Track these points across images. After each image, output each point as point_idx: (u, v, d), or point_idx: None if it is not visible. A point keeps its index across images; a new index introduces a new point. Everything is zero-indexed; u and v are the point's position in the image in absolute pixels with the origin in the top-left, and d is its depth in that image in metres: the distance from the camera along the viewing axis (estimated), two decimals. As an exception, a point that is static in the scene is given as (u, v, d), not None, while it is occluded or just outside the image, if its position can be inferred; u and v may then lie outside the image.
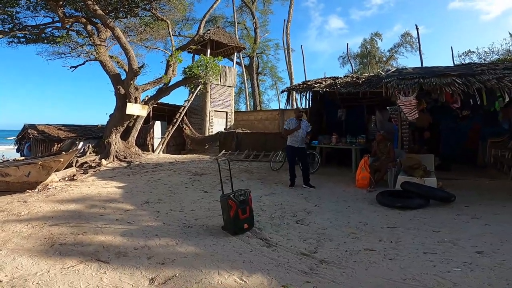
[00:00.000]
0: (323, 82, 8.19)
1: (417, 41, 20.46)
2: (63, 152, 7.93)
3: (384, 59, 28.87)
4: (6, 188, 6.11)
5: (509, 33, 18.12)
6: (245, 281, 2.49)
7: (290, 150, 6.19)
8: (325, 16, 58.80)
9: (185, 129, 14.31)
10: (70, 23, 10.82)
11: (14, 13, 10.18)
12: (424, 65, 12.65)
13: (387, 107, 7.96)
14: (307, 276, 2.57)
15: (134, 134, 11.68)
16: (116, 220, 4.11)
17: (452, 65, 12.74)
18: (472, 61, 16.09)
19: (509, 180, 6.30)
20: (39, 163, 6.07)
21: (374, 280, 2.48)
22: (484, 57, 18.14)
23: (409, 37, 26.74)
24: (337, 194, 5.59)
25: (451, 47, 17.86)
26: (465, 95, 5.37)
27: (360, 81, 7.65)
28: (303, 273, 2.62)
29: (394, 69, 7.96)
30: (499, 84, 5.15)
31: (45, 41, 10.95)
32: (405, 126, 6.60)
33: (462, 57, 20.12)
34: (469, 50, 20.46)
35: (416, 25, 19.63)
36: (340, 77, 8.66)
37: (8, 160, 8.49)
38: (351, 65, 26.51)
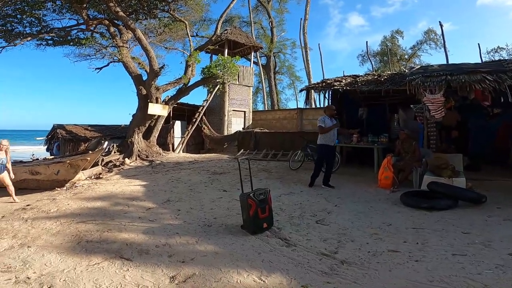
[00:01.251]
0: (343, 81, 8.00)
1: (442, 38, 19.59)
2: (90, 151, 8.25)
3: (406, 56, 27.92)
4: (36, 185, 6.44)
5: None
6: (264, 281, 2.48)
7: (324, 149, 5.94)
8: (344, 13, 57.50)
9: (204, 128, 14.49)
10: (94, 25, 11.21)
11: (41, 16, 10.68)
12: (450, 63, 12.09)
13: (411, 106, 7.68)
14: (327, 277, 2.52)
15: (155, 133, 11.96)
16: (139, 218, 4.21)
17: (479, 62, 12.12)
18: (502, 58, 15.24)
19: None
20: (68, 161, 6.34)
21: (399, 282, 2.40)
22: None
23: (433, 34, 25.72)
24: (358, 194, 5.46)
25: (478, 44, 16.94)
26: (496, 92, 5.09)
27: (382, 79, 7.41)
28: (324, 274, 2.58)
29: (418, 66, 7.66)
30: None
31: (71, 43, 11.42)
32: (431, 124, 6.34)
33: (491, 54, 19.09)
34: (498, 46, 19.41)
35: (440, 21, 18.71)
36: (361, 75, 8.43)
37: (38, 159, 8.94)
38: (371, 63, 25.83)
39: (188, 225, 3.90)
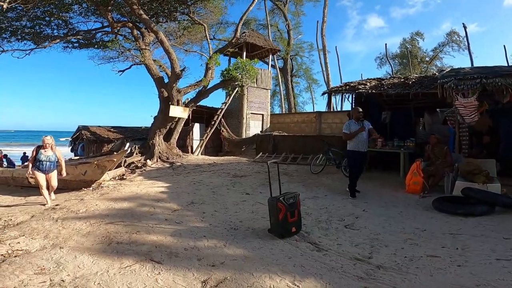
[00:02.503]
0: (368, 84, 7.83)
1: (465, 40, 18.95)
2: (114, 152, 8.43)
3: (427, 59, 27.16)
4: (64, 185, 6.62)
5: None
6: (298, 286, 2.42)
7: (353, 155, 5.53)
8: (363, 15, 56.38)
9: (222, 131, 14.58)
10: (118, 28, 11.53)
11: (68, 19, 11.12)
12: (474, 65, 11.65)
13: (437, 109, 7.41)
14: (364, 282, 2.44)
15: (176, 135, 12.13)
16: (165, 220, 4.23)
17: (505, 64, 11.59)
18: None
19: None
20: (95, 162, 6.50)
21: (442, 286, 2.31)
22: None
23: (456, 36, 24.91)
24: (385, 199, 5.30)
25: (504, 46, 16.27)
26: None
27: (410, 82, 7.18)
28: (360, 279, 2.50)
29: (449, 69, 7.39)
30: None
31: (96, 46, 11.78)
32: (464, 129, 6.09)
33: (519, 57, 18.28)
34: (527, 49, 18.53)
35: (463, 23, 18.16)
36: (386, 78, 8.23)
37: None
38: (391, 65, 25.30)
39: (215, 228, 3.88)
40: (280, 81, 27.26)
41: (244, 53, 15.52)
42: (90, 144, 12.60)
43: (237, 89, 13.50)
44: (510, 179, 6.30)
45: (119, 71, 12.72)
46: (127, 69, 12.75)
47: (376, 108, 9.25)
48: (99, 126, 14.09)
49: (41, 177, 5.29)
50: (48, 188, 5.47)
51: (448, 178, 5.48)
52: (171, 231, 3.77)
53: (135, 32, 11.47)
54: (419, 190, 5.47)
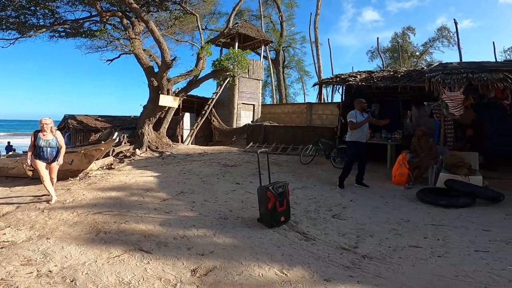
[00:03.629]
0: (358, 76, 7.90)
1: (456, 35, 19.19)
2: (102, 142, 8.29)
3: (417, 53, 27.46)
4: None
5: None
6: (286, 274, 2.47)
7: (355, 146, 5.48)
8: (358, 8, 55.64)
9: (213, 121, 14.49)
10: (107, 17, 11.21)
11: (54, 8, 10.71)
12: (463, 61, 11.83)
13: (424, 103, 7.55)
14: (350, 271, 2.51)
15: (166, 125, 12.01)
16: (155, 210, 4.22)
17: (493, 60, 11.83)
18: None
19: None
20: (82, 151, 6.37)
21: (424, 276, 2.39)
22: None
23: (446, 32, 25.22)
24: (372, 190, 5.42)
25: (493, 42, 16.56)
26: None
27: (399, 76, 7.28)
28: (346, 268, 2.57)
29: (437, 63, 7.50)
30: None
31: (84, 35, 11.44)
32: (449, 122, 6.23)
33: (508, 52, 18.64)
34: (515, 45, 18.89)
35: (454, 19, 18.35)
36: (376, 71, 8.31)
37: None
38: (382, 59, 25.47)
39: (204, 218, 3.91)
40: (272, 72, 27.14)
41: (236, 43, 15.35)
42: (77, 133, 12.33)
43: (228, 79, 13.39)
44: (491, 172, 6.53)
45: (107, 60, 12.46)
46: (116, 58, 12.50)
47: (366, 100, 9.34)
48: (86, 115, 13.77)
49: (42, 167, 4.59)
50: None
51: (432, 170, 5.63)
52: (161, 220, 3.77)
53: (125, 21, 11.16)
54: (405, 181, 5.61)
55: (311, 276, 2.43)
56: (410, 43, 28.15)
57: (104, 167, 7.78)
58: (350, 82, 7.62)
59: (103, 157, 8.20)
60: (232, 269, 2.55)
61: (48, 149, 4.63)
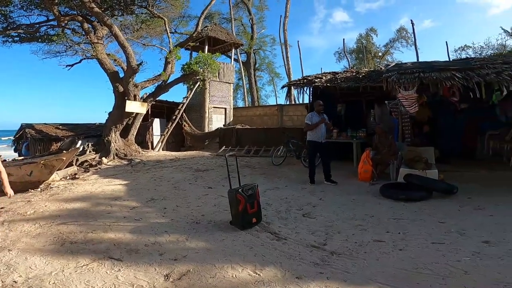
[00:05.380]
0: (324, 77, 8.21)
1: (413, 36, 20.44)
2: (64, 151, 7.89)
3: (380, 54, 28.87)
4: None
5: (502, 28, 18.22)
6: (259, 274, 2.53)
7: (313, 145, 5.98)
8: (330, 9, 56.67)
9: (184, 126, 14.29)
10: (66, 22, 10.71)
11: (7, 12, 10.08)
12: (420, 60, 12.71)
13: (386, 102, 8.01)
14: (319, 268, 2.62)
15: (134, 131, 11.65)
16: (124, 218, 4.12)
17: (447, 60, 12.83)
18: (469, 56, 16.20)
19: (509, 170, 6.38)
20: (41, 162, 6.04)
21: (387, 270, 2.54)
22: (479, 52, 18.23)
23: (405, 32, 26.73)
24: (340, 187, 5.66)
25: (446, 42, 17.89)
26: (464, 89, 5.42)
27: (360, 76, 7.68)
28: (315, 265, 2.67)
29: (394, 63, 8.00)
30: (498, 78, 5.20)
31: (40, 40, 10.83)
32: (405, 119, 6.66)
33: (458, 51, 20.20)
34: (465, 45, 20.54)
35: (411, 20, 19.57)
36: (340, 72, 8.68)
37: (5, 160, 8.39)
38: (348, 60, 26.51)
39: (176, 223, 3.88)
40: (243, 75, 27.26)
41: (206, 47, 15.29)
42: (36, 143, 11.55)
43: (198, 83, 13.28)
44: (446, 165, 7.07)
45: (67, 66, 11.84)
46: (76, 63, 11.98)
47: (332, 100, 9.71)
48: (45, 124, 12.98)
49: None
50: None
51: (393, 166, 5.99)
52: (130, 228, 3.70)
53: (86, 25, 10.72)
54: (369, 178, 5.92)
55: (283, 275, 2.51)
56: (373, 44, 29.47)
57: (68, 177, 7.42)
58: (316, 84, 7.90)
59: (66, 167, 7.82)
60: (206, 272, 2.56)
61: None
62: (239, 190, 3.51)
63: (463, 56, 17.84)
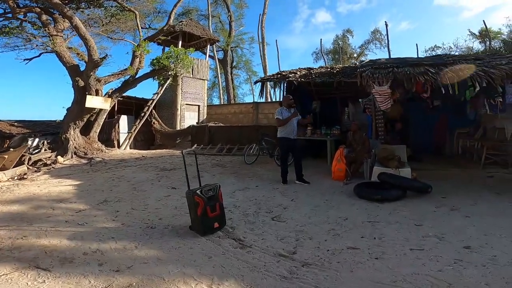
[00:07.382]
0: (298, 73, 7.95)
1: (386, 38, 20.90)
2: (11, 149, 7.06)
3: (355, 55, 29.40)
4: None
5: (469, 31, 19.07)
6: (215, 290, 2.14)
7: (285, 142, 5.60)
8: (313, 9, 56.87)
9: (154, 123, 13.56)
10: (22, 13, 9.83)
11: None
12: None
13: (360, 99, 7.89)
14: (287, 282, 2.26)
15: (97, 129, 10.83)
16: (65, 222, 3.60)
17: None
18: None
19: (480, 170, 6.42)
20: (-22, 160, 5.27)
21: (362, 284, 2.22)
22: (449, 52, 18.91)
23: (379, 34, 27.33)
24: (313, 187, 5.36)
25: (416, 44, 18.43)
26: (437, 85, 5.33)
27: (334, 71, 7.50)
28: (282, 278, 2.32)
29: (368, 60, 7.90)
30: (471, 74, 5.15)
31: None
32: (379, 116, 6.52)
33: (429, 51, 20.87)
34: (435, 45, 21.30)
35: (385, 21, 20.03)
36: (315, 68, 8.47)
37: None
38: (324, 60, 26.72)
39: (127, 228, 3.41)
40: (220, 72, 26.67)
41: (180, 42, 14.66)
42: (-14, 141, 10.42)
43: (170, 79, 12.63)
44: (418, 163, 7.02)
45: (25, 60, 10.96)
46: (35, 57, 11.16)
47: (307, 98, 9.52)
48: (-1, 120, 11.81)
49: None
50: None
51: (367, 164, 5.79)
52: (70, 234, 3.20)
53: (45, 17, 9.84)
54: (343, 176, 5.67)
55: (244, 291, 2.13)
56: (349, 45, 30.00)
57: (15, 178, 6.61)
58: (290, 79, 7.62)
59: (16, 166, 7.02)
60: (151, 287, 2.17)
61: None
62: (197, 191, 3.08)
63: (434, 55, 18.48)
